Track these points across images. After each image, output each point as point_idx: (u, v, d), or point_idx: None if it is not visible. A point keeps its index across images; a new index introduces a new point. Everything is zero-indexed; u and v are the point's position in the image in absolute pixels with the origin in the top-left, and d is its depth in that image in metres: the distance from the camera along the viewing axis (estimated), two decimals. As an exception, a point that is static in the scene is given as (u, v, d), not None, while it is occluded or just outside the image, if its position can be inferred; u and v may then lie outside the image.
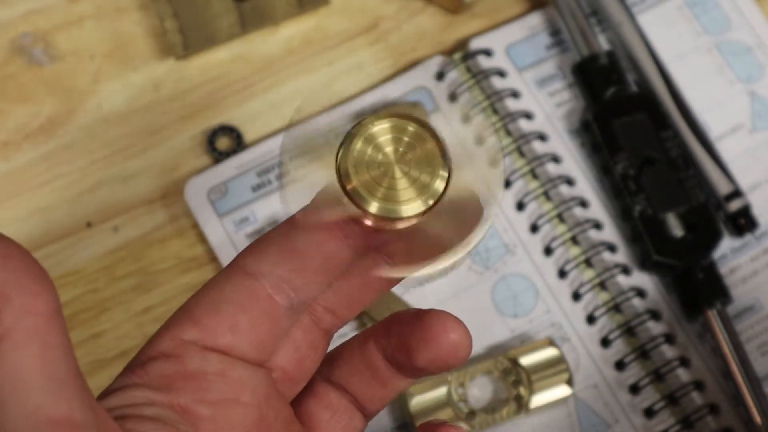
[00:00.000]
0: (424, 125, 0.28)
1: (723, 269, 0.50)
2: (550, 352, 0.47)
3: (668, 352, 0.48)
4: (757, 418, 0.46)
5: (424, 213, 0.27)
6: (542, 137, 0.51)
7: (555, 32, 0.53)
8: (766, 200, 0.51)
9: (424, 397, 0.46)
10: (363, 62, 0.53)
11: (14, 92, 0.52)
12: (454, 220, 0.28)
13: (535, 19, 0.54)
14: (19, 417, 0.22)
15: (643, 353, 0.48)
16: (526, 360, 0.46)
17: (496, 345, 0.48)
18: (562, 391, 0.46)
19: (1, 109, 0.51)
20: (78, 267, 0.49)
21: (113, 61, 0.52)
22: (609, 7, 0.52)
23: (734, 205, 0.50)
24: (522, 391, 0.46)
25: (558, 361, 0.47)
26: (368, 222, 0.27)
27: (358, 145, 0.27)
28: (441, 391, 0.46)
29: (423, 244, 0.28)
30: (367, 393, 0.31)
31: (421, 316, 0.30)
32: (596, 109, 0.51)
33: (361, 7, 0.54)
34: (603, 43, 0.52)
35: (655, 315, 0.48)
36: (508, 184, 0.50)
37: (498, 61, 0.52)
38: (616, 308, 0.49)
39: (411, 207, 0.27)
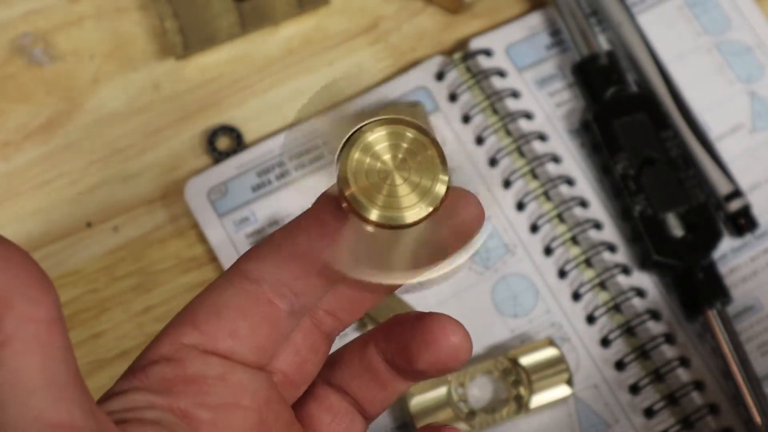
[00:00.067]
0: (422, 130, 0.27)
1: (723, 269, 0.50)
2: (550, 352, 0.47)
3: (668, 352, 0.48)
4: (757, 418, 0.46)
5: (426, 218, 0.27)
6: (542, 137, 0.51)
7: (555, 32, 0.53)
8: (766, 200, 0.51)
9: (424, 397, 0.46)
10: (363, 62, 0.53)
11: (14, 92, 0.52)
12: (455, 224, 0.28)
13: (535, 19, 0.54)
14: (21, 421, 0.22)
15: (643, 353, 0.48)
16: (526, 360, 0.46)
17: (496, 345, 0.48)
18: (562, 391, 0.46)
19: (1, 109, 0.51)
20: (78, 267, 0.49)
21: (113, 61, 0.52)
22: (609, 7, 0.52)
23: (734, 205, 0.50)
24: (522, 391, 0.46)
25: (558, 361, 0.47)
26: (369, 228, 0.27)
27: (356, 155, 0.27)
28: (441, 391, 0.46)
29: (424, 250, 0.28)
30: (368, 396, 0.31)
31: (421, 319, 0.30)
32: (596, 109, 0.51)
33: (361, 7, 0.54)
34: (603, 43, 0.52)
35: (655, 315, 0.48)
36: (508, 184, 0.50)
37: (498, 61, 0.52)
38: (616, 308, 0.49)
39: (413, 213, 0.27)
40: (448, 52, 0.53)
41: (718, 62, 0.54)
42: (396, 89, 0.52)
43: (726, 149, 0.52)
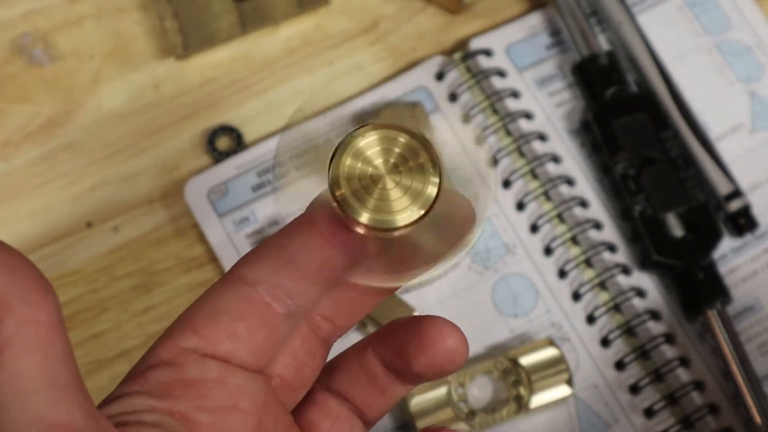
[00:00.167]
0: (414, 135, 0.28)
1: (723, 269, 0.50)
2: (550, 352, 0.47)
3: (668, 352, 0.48)
4: (757, 418, 0.46)
5: (417, 221, 0.27)
6: (542, 137, 0.51)
7: (555, 32, 0.54)
8: (766, 200, 0.51)
9: (424, 397, 0.46)
10: (363, 62, 0.53)
11: (14, 92, 0.52)
12: (447, 225, 0.28)
13: (535, 19, 0.54)
14: (21, 422, 0.22)
15: (643, 353, 0.48)
16: (526, 360, 0.46)
17: (496, 345, 0.48)
18: (562, 391, 0.46)
19: (1, 109, 0.51)
20: (78, 267, 0.49)
21: (113, 61, 0.52)
22: (609, 7, 0.52)
23: (734, 205, 0.50)
24: (522, 391, 0.46)
25: (558, 361, 0.47)
26: (361, 231, 0.27)
27: (348, 159, 0.27)
28: (441, 391, 0.46)
29: (416, 252, 0.28)
30: (367, 400, 0.31)
31: (417, 322, 0.30)
32: (596, 109, 0.51)
33: (361, 7, 0.54)
34: (603, 43, 0.52)
35: (655, 315, 0.48)
36: (507, 184, 0.50)
37: (498, 61, 0.52)
38: (616, 308, 0.49)
39: (404, 216, 0.27)
40: (448, 52, 0.53)
41: (718, 62, 0.54)
42: (396, 89, 0.52)
43: (726, 149, 0.52)
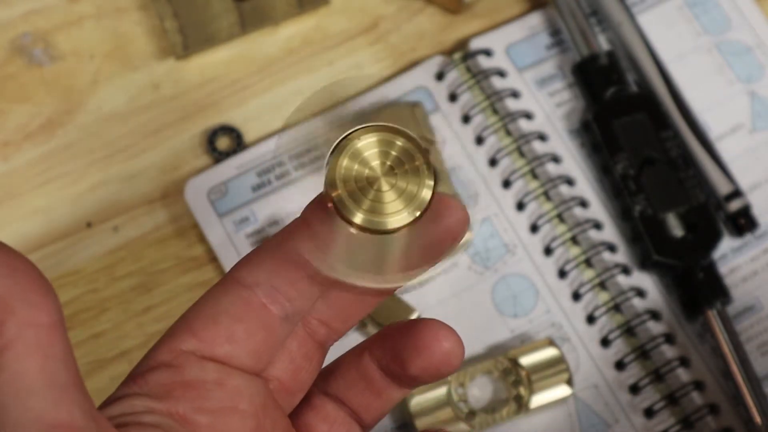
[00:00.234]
0: (410, 139, 0.28)
1: (723, 269, 0.50)
2: (550, 352, 0.47)
3: (668, 352, 0.48)
4: (757, 418, 0.46)
5: (410, 224, 0.27)
6: (542, 137, 0.51)
7: (555, 32, 0.54)
8: (766, 200, 0.51)
9: (424, 397, 0.46)
10: (363, 62, 0.53)
11: (14, 92, 0.52)
12: (441, 228, 0.29)
13: (535, 19, 0.54)
14: (22, 422, 0.22)
15: (643, 353, 0.48)
16: (526, 360, 0.46)
17: (496, 345, 0.48)
18: (562, 391, 0.46)
19: (1, 109, 0.51)
20: (78, 267, 0.49)
21: (113, 61, 0.52)
22: (609, 7, 0.52)
23: (734, 205, 0.50)
24: (522, 391, 0.46)
25: (558, 361, 0.47)
26: (354, 231, 0.27)
27: (345, 161, 0.27)
28: (441, 391, 0.46)
29: (410, 254, 0.28)
30: (364, 404, 0.31)
31: (413, 325, 0.30)
32: (596, 109, 0.51)
33: (361, 7, 0.54)
34: (603, 43, 0.52)
35: (655, 315, 0.48)
36: (507, 184, 0.50)
37: (498, 61, 0.52)
38: (616, 308, 0.49)
39: (397, 218, 0.27)
40: (448, 52, 0.53)
41: (718, 62, 0.54)
42: (396, 89, 0.52)
43: (726, 149, 0.52)
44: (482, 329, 0.48)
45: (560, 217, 0.50)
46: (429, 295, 0.48)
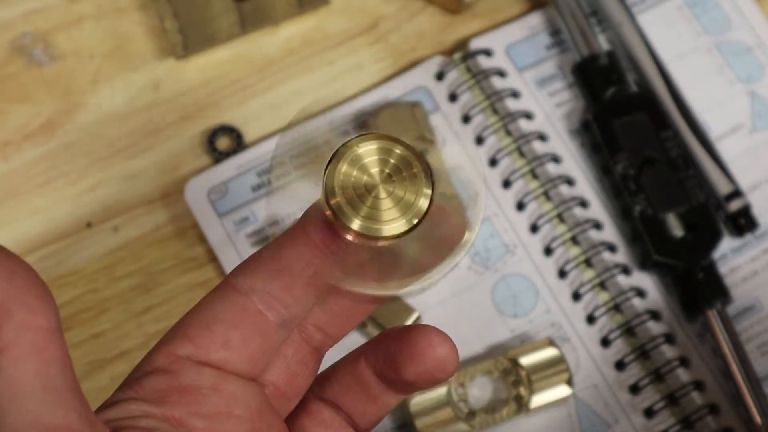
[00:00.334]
0: (409, 147, 0.28)
1: (723, 269, 0.50)
2: (550, 352, 0.47)
3: (668, 352, 0.48)
4: (757, 418, 0.46)
5: (407, 232, 0.27)
6: (542, 137, 0.51)
7: (555, 32, 0.54)
8: (766, 200, 0.51)
9: (424, 397, 0.46)
10: (363, 62, 0.53)
11: (14, 92, 0.52)
12: (438, 236, 0.29)
13: (535, 19, 0.54)
14: (19, 425, 0.23)
15: (643, 353, 0.48)
16: (526, 360, 0.46)
17: (496, 345, 0.48)
18: (562, 391, 0.46)
19: (1, 109, 0.51)
20: (78, 267, 0.49)
21: (113, 61, 0.52)
22: (609, 7, 0.52)
23: (734, 205, 0.50)
24: (522, 391, 0.46)
25: (558, 361, 0.47)
26: (350, 238, 0.28)
27: (344, 167, 0.28)
28: (441, 391, 0.46)
29: (407, 261, 0.28)
30: (359, 410, 0.31)
31: (408, 332, 0.30)
32: (596, 109, 0.51)
33: (361, 7, 0.54)
34: (603, 43, 0.52)
35: (655, 315, 0.48)
36: (508, 184, 0.50)
37: (498, 61, 0.52)
38: (616, 308, 0.49)
39: (394, 226, 0.27)
40: (448, 52, 0.53)
41: (718, 62, 0.54)
42: (396, 89, 0.52)
43: (726, 149, 0.52)
44: (482, 329, 0.48)
45: (560, 217, 0.50)
46: (429, 295, 0.48)
